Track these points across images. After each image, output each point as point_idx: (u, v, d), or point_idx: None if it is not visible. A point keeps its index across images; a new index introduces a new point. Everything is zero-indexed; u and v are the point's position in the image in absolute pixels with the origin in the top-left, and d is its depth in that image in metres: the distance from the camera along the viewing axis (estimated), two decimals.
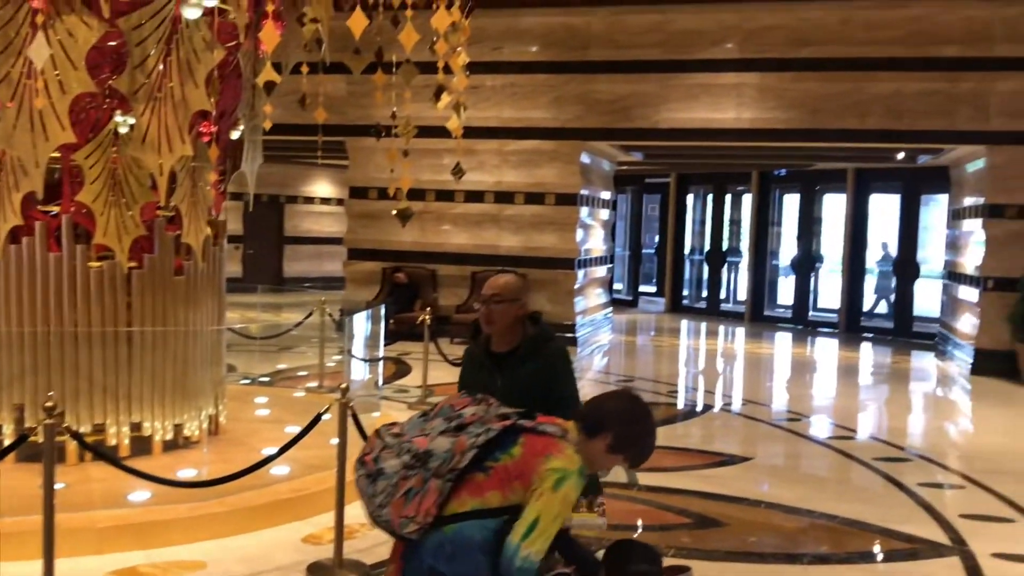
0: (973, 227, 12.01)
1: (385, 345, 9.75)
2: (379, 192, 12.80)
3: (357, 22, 4.51)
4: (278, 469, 5.49)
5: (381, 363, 8.91)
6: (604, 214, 14.61)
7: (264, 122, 6.20)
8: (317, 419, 4.86)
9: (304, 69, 5.91)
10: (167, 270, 5.93)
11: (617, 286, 19.79)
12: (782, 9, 11.79)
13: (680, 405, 9.88)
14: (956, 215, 13.23)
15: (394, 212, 5.90)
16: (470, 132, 12.85)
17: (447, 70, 5.67)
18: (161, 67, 5.29)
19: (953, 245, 13.32)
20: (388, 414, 7.42)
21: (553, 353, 3.38)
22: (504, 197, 13.00)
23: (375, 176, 12.83)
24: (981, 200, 11.63)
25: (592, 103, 12.61)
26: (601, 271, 14.68)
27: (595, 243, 14.04)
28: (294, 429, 4.99)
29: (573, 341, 12.41)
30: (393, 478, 2.59)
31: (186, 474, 5.50)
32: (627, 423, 2.71)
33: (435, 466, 2.56)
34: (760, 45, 11.93)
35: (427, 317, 9.01)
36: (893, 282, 15.60)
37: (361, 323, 8.70)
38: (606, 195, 14.66)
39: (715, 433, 8.62)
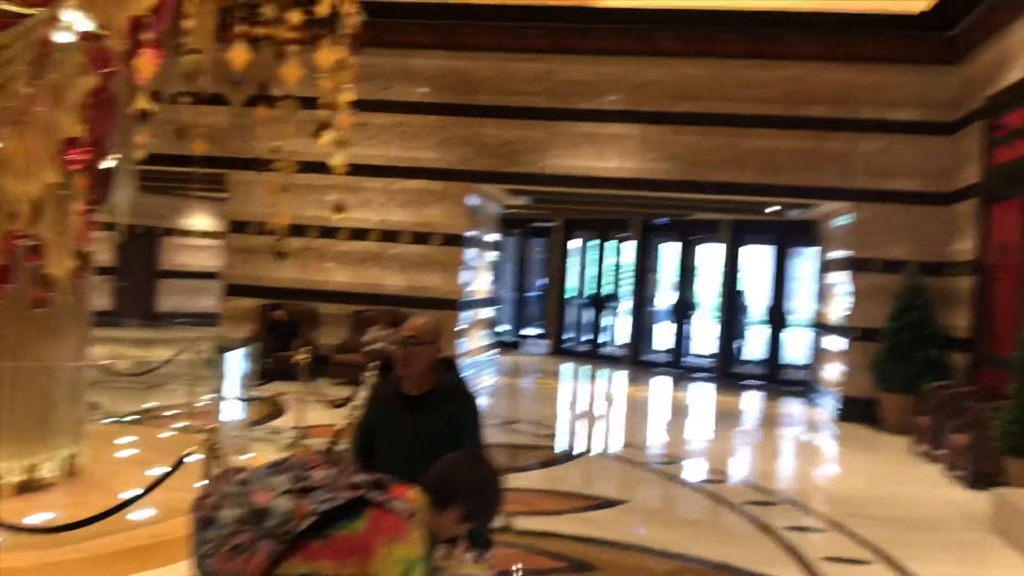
0: (840, 279, 12.60)
1: (261, 384, 9.49)
2: (259, 227, 12.51)
3: (239, 55, 4.43)
4: (141, 513, 5.22)
5: (254, 403, 8.65)
6: (490, 256, 14.69)
7: (138, 152, 5.99)
8: (182, 460, 4.66)
9: (184, 100, 5.75)
10: (27, 302, 5.62)
11: (501, 328, 19.88)
12: (663, 64, 12.22)
13: (560, 448, 9.94)
14: (824, 267, 13.86)
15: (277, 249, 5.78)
16: (356, 169, 12.72)
17: (332, 107, 5.62)
18: (29, 91, 5.05)
19: (821, 296, 13.93)
20: (260, 456, 7.19)
21: (466, 401, 3.37)
22: (389, 236, 12.92)
23: (256, 210, 12.54)
24: (847, 254, 12.22)
25: (480, 146, 12.73)
26: (486, 313, 14.72)
27: (481, 284, 14.09)
28: (160, 471, 4.77)
29: None
30: (224, 529, 2.43)
31: (39, 519, 5.18)
32: (478, 493, 2.62)
33: (270, 526, 2.40)
34: (643, 98, 12.32)
35: (305, 356, 8.82)
36: (745, 327, 16.25)
37: (236, 361, 8.45)
38: (493, 237, 14.76)
39: (593, 476, 8.69)
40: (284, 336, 12.41)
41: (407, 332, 3.27)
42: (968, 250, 10.49)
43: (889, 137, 11.81)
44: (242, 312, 13.08)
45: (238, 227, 13.24)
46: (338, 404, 8.18)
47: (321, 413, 8.60)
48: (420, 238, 12.87)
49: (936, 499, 7.98)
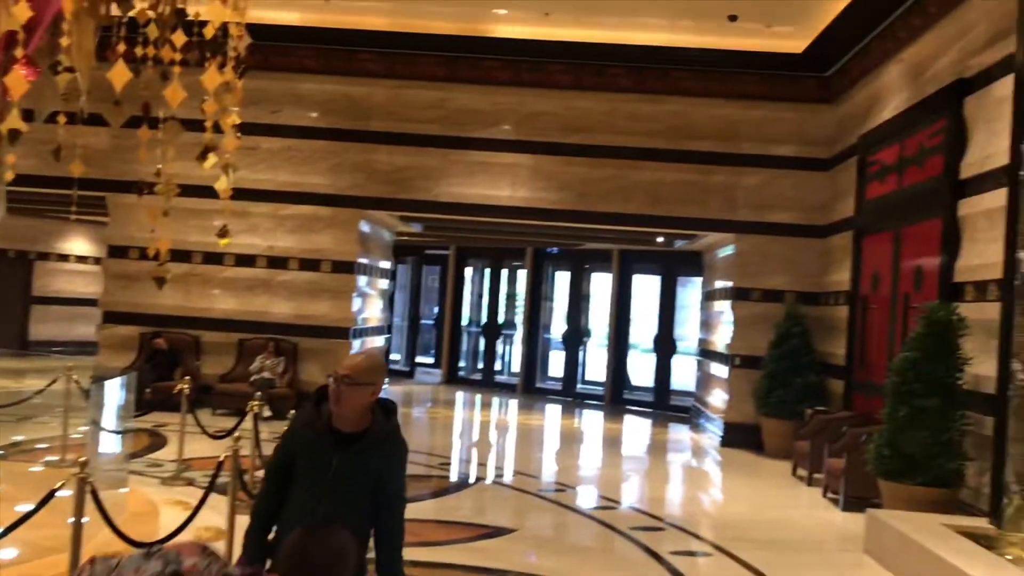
0: (723, 308, 12.98)
1: (140, 415, 9.11)
2: (140, 252, 12.08)
3: (119, 75, 4.28)
4: (5, 552, 4.92)
5: (132, 435, 8.30)
6: (383, 283, 14.56)
7: (7, 172, 5.70)
8: (51, 495, 4.42)
9: (61, 119, 5.51)
10: None
11: (394, 356, 19.69)
12: (554, 97, 12.43)
13: (452, 477, 9.88)
14: (708, 296, 14.27)
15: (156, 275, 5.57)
16: (244, 194, 12.51)
17: (217, 129, 5.49)
18: None
19: (706, 324, 14.33)
20: (136, 489, 6.90)
21: (397, 449, 3.27)
22: (277, 262, 12.66)
23: (137, 235, 12.09)
24: (730, 284, 12.61)
25: (372, 172, 12.65)
26: (378, 341, 14.55)
27: (372, 312, 13.93)
28: (26, 507, 4.51)
29: None
30: None
31: None
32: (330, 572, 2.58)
33: None
34: (535, 128, 12.49)
35: (186, 386, 8.52)
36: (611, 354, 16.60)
37: (113, 391, 8.08)
38: (385, 264, 14.64)
39: (485, 505, 8.65)
40: (165, 365, 11.98)
41: (343, 371, 3.10)
42: (844, 280, 10.96)
43: (770, 172, 12.29)
44: (121, 340, 12.57)
45: (118, 252, 12.75)
46: (220, 435, 7.92)
47: (203, 444, 8.31)
48: (309, 265, 12.65)
49: (815, 521, 8.26)
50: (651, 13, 10.84)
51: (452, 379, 18.68)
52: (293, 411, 4.48)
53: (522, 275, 18.26)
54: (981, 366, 6.84)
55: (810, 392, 11.17)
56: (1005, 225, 6.26)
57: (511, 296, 19.07)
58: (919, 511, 6.56)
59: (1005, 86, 6.69)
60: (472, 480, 9.71)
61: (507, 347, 18.99)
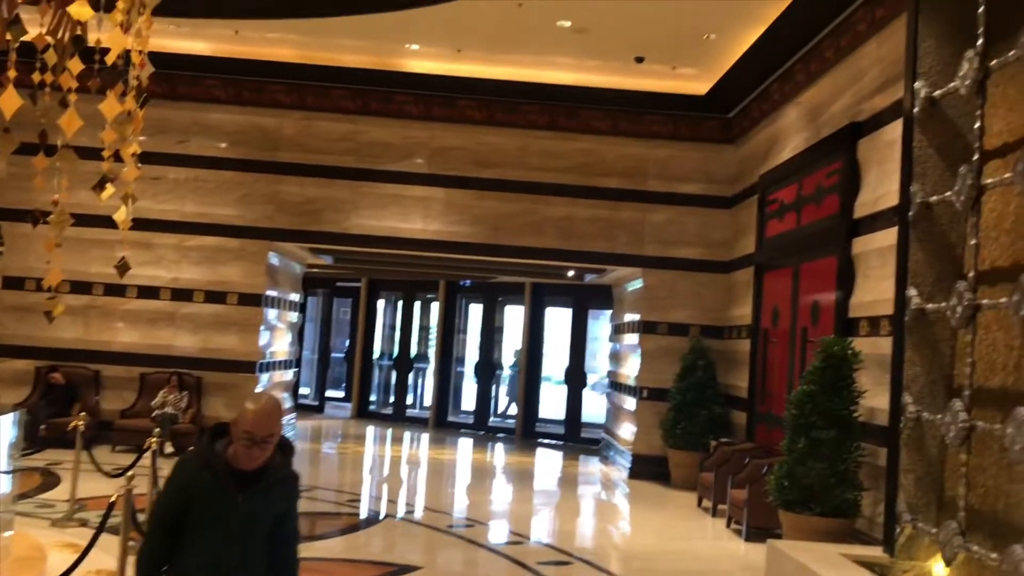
0: (632, 341, 13.18)
1: (33, 453, 8.74)
2: (36, 283, 11.64)
3: (9, 100, 4.15)
4: None
5: (24, 474, 7.94)
6: (292, 316, 14.33)
7: None
8: None
9: None
10: None
11: (304, 391, 19.36)
12: (466, 132, 12.54)
13: (362, 514, 9.73)
14: (617, 329, 14.47)
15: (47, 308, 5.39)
16: (148, 225, 12.24)
17: (118, 159, 5.37)
18: None
19: (615, 357, 14.51)
20: (23, 532, 6.59)
21: (295, 484, 3.21)
22: (182, 294, 12.35)
23: (34, 265, 11.66)
24: (637, 317, 12.82)
25: (282, 203, 12.49)
26: (286, 375, 14.30)
27: (281, 346, 13.69)
28: None
29: None
30: None
31: None
32: None
33: None
34: (447, 162, 12.56)
35: (82, 422, 8.20)
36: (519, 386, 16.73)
37: (4, 428, 7.73)
38: (294, 297, 14.43)
39: (394, 542, 8.54)
40: (61, 400, 11.52)
41: (262, 433, 2.94)
42: (746, 315, 11.26)
43: (675, 208, 12.59)
44: (15, 375, 12.05)
45: (14, 283, 12.25)
46: (117, 473, 7.64)
47: (99, 483, 8.01)
48: (216, 297, 12.39)
49: (718, 552, 8.40)
50: (561, 53, 11.05)
51: (363, 413, 18.45)
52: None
53: (435, 308, 18.23)
54: (875, 399, 7.09)
55: (715, 424, 11.41)
56: (896, 263, 6.53)
57: (424, 329, 19.00)
58: (818, 541, 6.72)
59: (895, 130, 7.01)
60: (382, 516, 9.59)
61: (419, 380, 18.88)
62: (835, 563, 5.97)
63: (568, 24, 10.01)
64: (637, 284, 12.99)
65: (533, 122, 12.56)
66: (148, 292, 12.25)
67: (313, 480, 11.31)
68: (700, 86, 11.77)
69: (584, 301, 16.54)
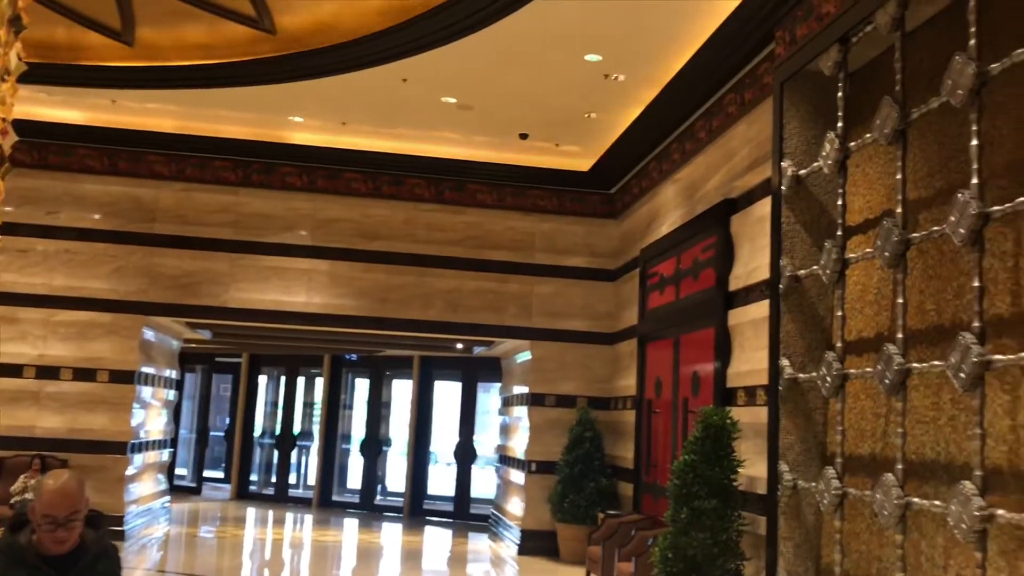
0: (520, 414, 13.15)
1: None
2: None
3: None
4: None
5: None
6: (168, 393, 13.75)
7: None
8: None
9: None
10: None
11: (180, 471, 18.52)
12: (350, 204, 12.47)
13: None
14: (506, 403, 14.43)
15: None
16: (13, 299, 11.64)
17: None
18: None
19: (505, 430, 14.44)
20: None
21: (114, 556, 3.00)
22: (48, 372, 11.71)
23: None
24: (526, 389, 12.83)
25: (157, 276, 12.08)
26: (161, 455, 13.64)
27: (155, 425, 13.08)
28: None
29: (121, 535, 11.18)
30: None
31: None
32: None
33: None
34: (331, 234, 12.42)
35: None
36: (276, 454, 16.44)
37: None
38: (170, 373, 13.87)
39: None
40: None
41: (64, 513, 2.78)
42: (631, 386, 11.40)
43: (562, 281, 12.76)
44: None
45: None
46: None
47: None
48: (84, 375, 11.78)
49: None
50: (446, 128, 11.18)
51: (243, 494, 17.74)
52: None
53: (319, 383, 17.82)
54: (753, 467, 7.22)
55: (602, 496, 11.41)
56: (768, 334, 6.74)
57: (308, 405, 18.52)
58: None
59: (765, 206, 7.30)
60: None
61: (303, 459, 18.32)
62: None
63: (453, 100, 10.15)
64: (525, 356, 13.03)
65: (419, 195, 12.60)
66: (10, 370, 11.56)
67: (188, 567, 10.74)
68: (583, 163, 12.08)
69: (473, 374, 16.47)
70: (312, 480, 17.53)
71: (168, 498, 14.21)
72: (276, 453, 18.17)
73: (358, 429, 17.66)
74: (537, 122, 10.77)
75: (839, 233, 5.98)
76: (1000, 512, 4.22)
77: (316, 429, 17.80)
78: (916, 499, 4.89)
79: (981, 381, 4.40)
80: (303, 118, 11.26)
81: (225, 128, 11.65)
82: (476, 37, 8.28)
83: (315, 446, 17.66)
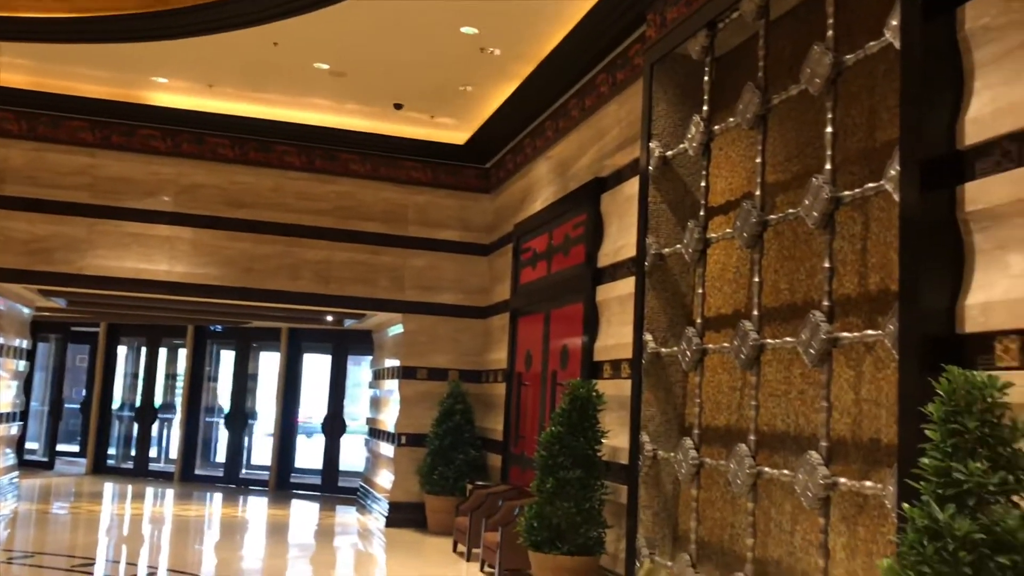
0: (391, 387, 13.10)
1: None
2: None
3: None
4: None
5: None
6: (17, 364, 13.03)
7: None
8: None
9: None
10: None
11: (31, 445, 17.64)
12: (216, 170, 12.05)
13: None
14: (377, 375, 14.35)
15: None
16: None
17: None
18: None
19: (375, 403, 14.36)
20: None
21: None
22: None
23: None
24: (397, 362, 12.78)
25: (6, 241, 11.38)
26: (10, 429, 12.94)
27: (4, 397, 12.38)
28: None
29: None
30: None
31: None
32: None
33: None
34: (194, 201, 11.99)
35: None
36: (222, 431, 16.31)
37: None
38: (20, 343, 13.14)
39: None
40: None
41: None
42: (502, 359, 11.52)
43: (435, 254, 12.73)
44: None
45: None
46: None
47: None
48: None
49: None
50: (318, 94, 10.93)
51: (100, 469, 17.05)
52: None
53: (182, 354, 17.25)
54: (617, 439, 7.43)
55: (471, 468, 11.52)
56: (633, 310, 6.93)
57: (170, 377, 17.92)
58: None
59: (633, 186, 7.48)
60: None
61: (165, 432, 17.74)
62: None
63: (325, 67, 9.93)
64: (397, 329, 12.97)
65: (289, 163, 12.29)
66: None
67: (39, 545, 10.27)
68: (458, 136, 12.04)
69: (344, 347, 16.27)
70: (174, 454, 17.01)
71: (16, 473, 13.50)
72: (136, 426, 17.53)
73: (223, 402, 17.22)
74: (412, 93, 10.67)
75: (702, 213, 6.19)
76: (842, 480, 4.49)
77: (179, 401, 17.26)
78: (767, 468, 5.15)
79: (829, 357, 4.66)
80: (167, 79, 10.79)
81: (82, 87, 11.04)
82: (351, 3, 8.12)
83: (177, 419, 17.13)
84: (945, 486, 2.90)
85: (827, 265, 4.74)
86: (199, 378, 17.00)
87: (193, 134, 11.94)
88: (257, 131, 11.95)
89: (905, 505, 3.09)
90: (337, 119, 11.75)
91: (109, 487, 15.43)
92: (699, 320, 6.11)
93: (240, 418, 16.78)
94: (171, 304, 13.17)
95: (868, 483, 4.34)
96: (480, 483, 10.94)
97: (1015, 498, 2.87)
